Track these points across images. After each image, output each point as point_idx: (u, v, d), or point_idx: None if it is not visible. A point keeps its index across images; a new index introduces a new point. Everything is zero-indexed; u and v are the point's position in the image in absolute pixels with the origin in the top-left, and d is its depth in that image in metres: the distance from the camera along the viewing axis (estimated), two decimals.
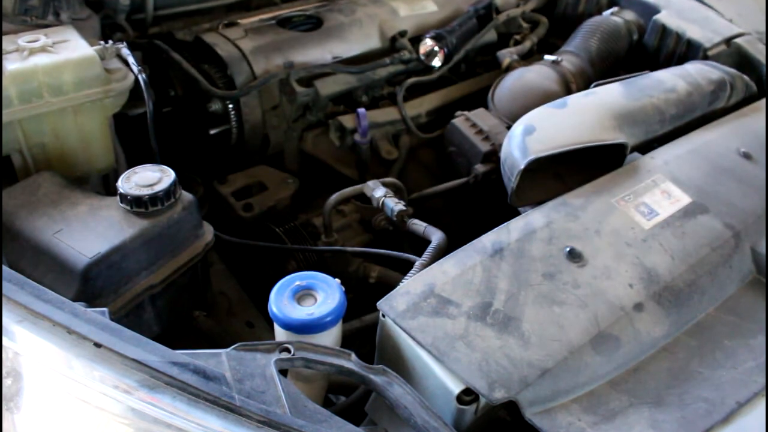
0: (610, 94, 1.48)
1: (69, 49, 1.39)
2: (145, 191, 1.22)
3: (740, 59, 1.83)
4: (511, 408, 0.98)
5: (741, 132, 1.52)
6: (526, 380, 0.97)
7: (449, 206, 1.76)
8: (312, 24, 1.98)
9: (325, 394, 1.13)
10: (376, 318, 1.07)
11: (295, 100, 1.81)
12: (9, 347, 0.82)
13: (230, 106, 1.77)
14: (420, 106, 1.95)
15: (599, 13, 2.07)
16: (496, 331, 1.02)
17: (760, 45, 1.85)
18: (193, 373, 0.79)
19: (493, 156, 1.67)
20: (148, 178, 1.24)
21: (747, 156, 1.44)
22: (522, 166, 1.30)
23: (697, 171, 1.38)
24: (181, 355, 0.82)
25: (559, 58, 1.87)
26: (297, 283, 1.04)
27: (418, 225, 1.45)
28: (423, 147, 1.92)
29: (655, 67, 1.75)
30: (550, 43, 2.18)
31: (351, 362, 0.92)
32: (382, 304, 1.04)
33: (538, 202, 1.29)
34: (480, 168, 1.66)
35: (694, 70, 1.63)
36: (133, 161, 1.44)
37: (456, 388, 0.95)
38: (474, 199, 1.69)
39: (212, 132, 1.81)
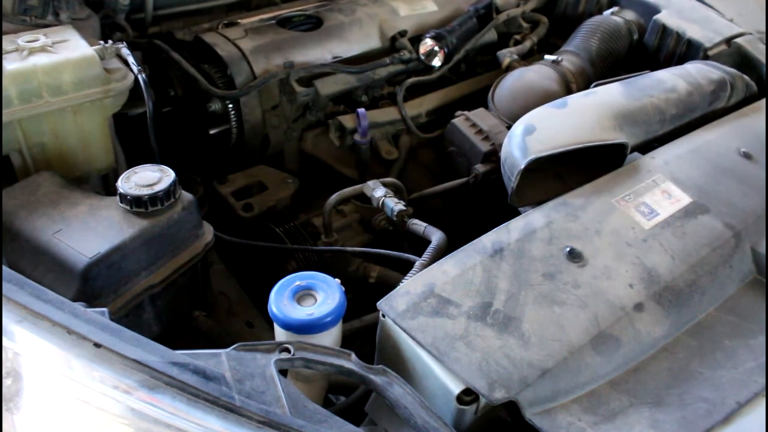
0: (611, 94, 1.48)
1: (68, 48, 1.39)
2: (145, 191, 1.22)
3: (740, 59, 1.83)
4: (511, 408, 0.98)
5: (741, 132, 1.52)
6: (526, 380, 0.97)
7: (449, 206, 1.76)
8: (312, 24, 1.98)
9: (325, 394, 1.13)
10: (376, 318, 1.07)
11: (295, 100, 1.81)
12: (9, 347, 0.82)
13: (230, 106, 1.77)
14: (420, 106, 1.95)
15: (599, 12, 2.07)
16: (496, 331, 1.02)
17: (760, 45, 1.85)
18: (193, 373, 0.79)
19: (493, 156, 1.67)
20: (147, 178, 1.24)
21: (747, 156, 1.44)
22: (522, 166, 1.30)
23: (698, 171, 1.38)
24: (181, 355, 0.82)
25: (560, 58, 1.87)
26: (297, 283, 1.04)
27: (418, 225, 1.45)
28: (423, 147, 1.92)
29: (655, 66, 1.75)
30: (551, 43, 2.18)
31: (351, 362, 0.92)
32: (382, 304, 1.04)
33: (538, 202, 1.29)
34: (480, 168, 1.66)
35: (695, 69, 1.63)
36: (132, 161, 1.43)
37: (456, 388, 0.95)
38: (474, 199, 1.69)
39: (212, 132, 1.81)
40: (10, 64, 1.31)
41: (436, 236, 1.38)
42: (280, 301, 1.01)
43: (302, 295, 1.03)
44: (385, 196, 1.50)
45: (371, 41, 1.98)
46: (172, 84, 1.83)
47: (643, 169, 1.36)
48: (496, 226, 1.21)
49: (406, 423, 0.88)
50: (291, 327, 0.99)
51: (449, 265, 1.12)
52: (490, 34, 2.12)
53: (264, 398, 0.80)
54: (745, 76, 1.68)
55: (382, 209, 1.51)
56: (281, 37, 1.87)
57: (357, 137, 1.80)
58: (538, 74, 1.82)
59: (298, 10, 2.03)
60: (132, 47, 1.50)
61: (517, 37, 2.15)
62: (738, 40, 1.84)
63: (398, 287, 1.08)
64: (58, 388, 0.79)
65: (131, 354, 0.79)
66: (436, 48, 1.95)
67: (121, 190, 1.22)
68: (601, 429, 0.96)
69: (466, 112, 1.77)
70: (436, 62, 1.98)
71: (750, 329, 1.15)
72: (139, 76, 1.44)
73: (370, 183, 1.54)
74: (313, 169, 1.90)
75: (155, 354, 0.80)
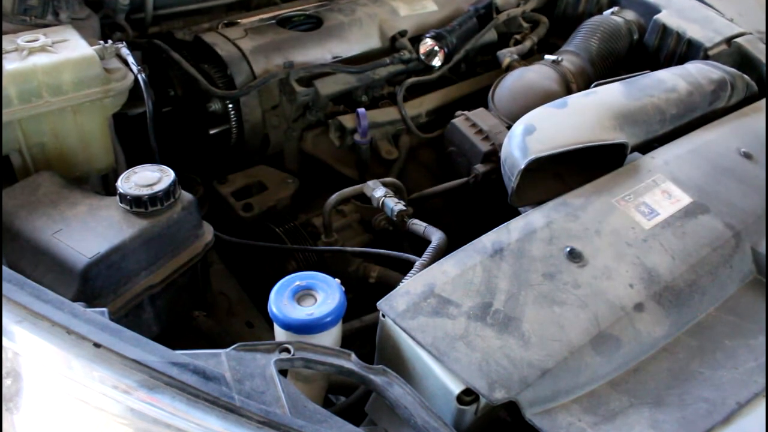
0: (611, 94, 1.48)
1: (68, 48, 1.39)
2: (145, 191, 1.21)
3: (741, 59, 1.83)
4: (512, 408, 0.98)
5: (741, 132, 1.52)
6: (527, 380, 0.97)
7: (449, 206, 1.76)
8: (312, 24, 1.97)
9: (325, 394, 1.13)
10: (376, 318, 1.06)
11: (295, 100, 1.81)
12: (9, 347, 0.82)
13: (230, 105, 1.77)
14: (420, 106, 1.95)
15: (599, 12, 2.07)
16: (496, 331, 1.02)
17: (760, 44, 1.85)
18: (193, 373, 0.79)
19: (493, 156, 1.67)
20: (147, 178, 1.24)
21: (747, 156, 1.44)
22: (522, 166, 1.30)
23: (698, 171, 1.38)
24: (181, 355, 0.82)
25: (560, 58, 1.87)
26: (297, 283, 1.04)
27: (418, 225, 1.45)
28: (423, 147, 1.91)
29: (655, 66, 1.75)
30: (551, 43, 2.18)
31: (351, 362, 0.92)
32: (382, 304, 1.04)
33: (539, 202, 1.28)
34: (480, 168, 1.66)
35: (695, 69, 1.62)
36: (132, 161, 1.43)
37: (456, 388, 0.95)
38: (474, 199, 1.69)
39: (212, 132, 1.81)
40: (10, 64, 1.31)
41: (436, 236, 1.38)
42: (280, 301, 1.01)
43: (302, 295, 1.03)
44: (385, 196, 1.50)
45: (371, 41, 1.98)
46: (172, 84, 1.83)
47: (643, 169, 1.36)
48: (496, 226, 1.21)
49: (406, 423, 0.88)
50: (291, 327, 0.99)
51: (449, 265, 1.12)
52: (490, 34, 2.12)
53: (264, 398, 0.80)
54: (746, 76, 1.68)
55: (382, 209, 1.51)
56: (281, 37, 1.87)
57: (357, 137, 1.80)
58: (538, 74, 1.82)
59: (298, 10, 2.03)
60: (132, 47, 1.50)
61: (517, 37, 2.15)
62: (738, 39, 1.84)
63: (398, 287, 1.08)
64: (58, 388, 0.79)
65: (131, 354, 0.79)
66: (436, 48, 1.95)
67: (120, 190, 1.22)
68: (601, 429, 0.96)
69: (466, 112, 1.77)
70: (436, 62, 1.98)
71: (750, 329, 1.15)
72: (139, 76, 1.44)
73: (370, 183, 1.54)
74: (313, 169, 1.90)
75: (155, 354, 0.80)
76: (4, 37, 1.39)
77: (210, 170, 1.82)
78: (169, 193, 1.23)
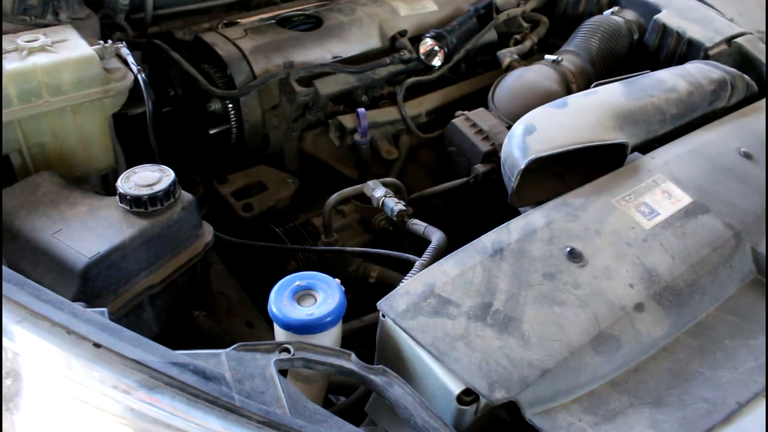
0: (611, 94, 1.48)
1: (68, 48, 1.39)
2: (145, 191, 1.21)
3: (741, 59, 1.83)
4: (512, 408, 0.98)
5: (741, 132, 1.52)
6: (527, 380, 0.97)
7: (449, 206, 1.76)
8: (312, 23, 1.97)
9: (325, 394, 1.13)
10: (376, 318, 1.06)
11: (295, 99, 1.81)
12: (9, 347, 0.82)
13: (230, 105, 1.77)
14: (420, 106, 1.95)
15: (600, 12, 2.07)
16: (496, 331, 1.02)
17: (760, 44, 1.85)
18: (193, 373, 0.79)
19: (493, 156, 1.67)
20: (147, 178, 1.24)
21: (747, 156, 1.44)
22: (522, 166, 1.30)
23: (698, 171, 1.38)
24: (181, 355, 0.82)
25: (560, 58, 1.87)
26: (297, 283, 1.04)
27: (418, 225, 1.45)
28: (423, 147, 1.91)
29: (655, 66, 1.75)
30: (551, 43, 2.18)
31: (351, 362, 0.92)
32: (382, 304, 1.04)
33: (539, 202, 1.28)
34: (480, 168, 1.66)
35: (695, 69, 1.62)
36: (132, 161, 1.43)
37: (456, 388, 0.95)
38: (474, 199, 1.69)
39: (212, 132, 1.81)
40: (10, 64, 1.31)
41: (436, 236, 1.38)
42: (280, 301, 1.01)
43: (302, 295, 1.03)
44: (385, 196, 1.50)
45: (371, 41, 1.98)
46: (172, 84, 1.83)
47: (643, 169, 1.36)
48: (496, 226, 1.21)
49: (406, 423, 0.88)
50: (291, 327, 0.99)
51: (449, 265, 1.12)
52: (490, 34, 2.12)
53: (264, 398, 0.80)
54: (746, 76, 1.68)
55: (382, 209, 1.51)
56: (281, 36, 1.87)
57: (357, 137, 1.80)
58: (538, 74, 1.82)
59: (298, 10, 2.03)
60: (132, 47, 1.50)
61: (517, 36, 2.15)
62: (738, 39, 1.84)
63: (398, 287, 1.08)
64: (58, 388, 0.79)
65: (131, 354, 0.79)
66: (436, 48, 1.95)
67: (120, 190, 1.22)
68: (601, 429, 0.96)
69: (466, 112, 1.77)
70: (436, 62, 1.98)
71: (750, 329, 1.15)
72: (139, 76, 1.44)
73: (370, 183, 1.54)
74: (313, 169, 1.90)
75: (155, 354, 0.80)
76: (4, 37, 1.39)
77: (210, 170, 1.81)
78: (169, 193, 1.23)
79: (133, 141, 1.61)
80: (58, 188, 1.29)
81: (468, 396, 0.95)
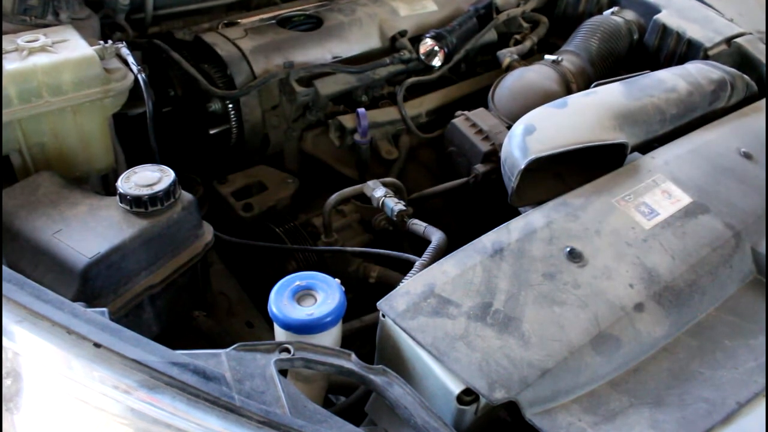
0: (611, 94, 1.48)
1: (68, 48, 1.39)
2: (145, 191, 1.21)
3: (741, 59, 1.83)
4: (512, 408, 0.98)
5: (741, 132, 1.52)
6: (527, 380, 0.97)
7: (449, 206, 1.76)
8: (312, 24, 1.97)
9: (325, 394, 1.13)
10: (376, 318, 1.06)
11: (295, 100, 1.81)
12: (9, 347, 0.82)
13: (230, 105, 1.77)
14: (420, 106, 1.95)
15: (600, 12, 2.07)
16: (496, 331, 1.02)
17: (760, 45, 1.85)
18: (193, 373, 0.79)
19: (493, 156, 1.67)
20: (147, 178, 1.24)
21: (747, 156, 1.44)
22: (522, 166, 1.30)
23: (698, 171, 1.38)
24: (181, 355, 0.82)
25: (560, 58, 1.87)
26: (297, 283, 1.04)
27: (418, 225, 1.45)
28: (423, 147, 1.91)
29: (655, 66, 1.75)
30: (551, 43, 2.18)
31: (351, 362, 0.92)
32: (382, 304, 1.04)
33: (539, 202, 1.29)
34: (480, 168, 1.66)
35: (695, 69, 1.62)
36: (132, 161, 1.43)
37: (456, 388, 0.95)
38: (474, 199, 1.69)
39: (212, 132, 1.81)
40: (10, 64, 1.31)
41: (436, 236, 1.38)
42: (280, 301, 1.01)
43: (302, 295, 1.03)
44: (385, 196, 1.50)
45: (371, 41, 1.98)
46: (172, 84, 1.83)
47: (643, 169, 1.36)
48: (496, 226, 1.21)
49: (406, 423, 0.88)
50: (291, 327, 0.99)
51: (449, 265, 1.12)
52: (490, 34, 2.12)
53: (264, 398, 0.80)
54: (746, 76, 1.68)
55: (382, 209, 1.51)
56: (281, 37, 1.87)
57: (357, 137, 1.80)
58: (538, 74, 1.82)
59: (298, 10, 2.03)
60: (132, 47, 1.50)
61: (517, 37, 2.15)
62: (738, 39, 1.84)
63: (398, 287, 1.08)
64: (58, 388, 0.79)
65: (131, 354, 0.79)
66: (436, 48, 1.95)
67: (120, 190, 1.22)
68: (601, 429, 0.96)
69: (466, 112, 1.77)
70: (436, 62, 1.98)
71: (750, 329, 1.15)
72: (139, 76, 1.44)
73: (370, 183, 1.54)
74: (313, 169, 1.90)
75: (155, 354, 0.80)
76: (4, 37, 1.39)
77: (210, 170, 1.81)
78: (169, 193, 1.23)
79: (133, 141, 1.61)
80: (58, 188, 1.29)
81: (468, 396, 0.95)
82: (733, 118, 1.57)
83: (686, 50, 1.88)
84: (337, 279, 1.06)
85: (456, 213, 1.75)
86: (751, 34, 1.87)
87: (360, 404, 1.08)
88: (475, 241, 1.17)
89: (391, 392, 0.89)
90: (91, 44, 1.42)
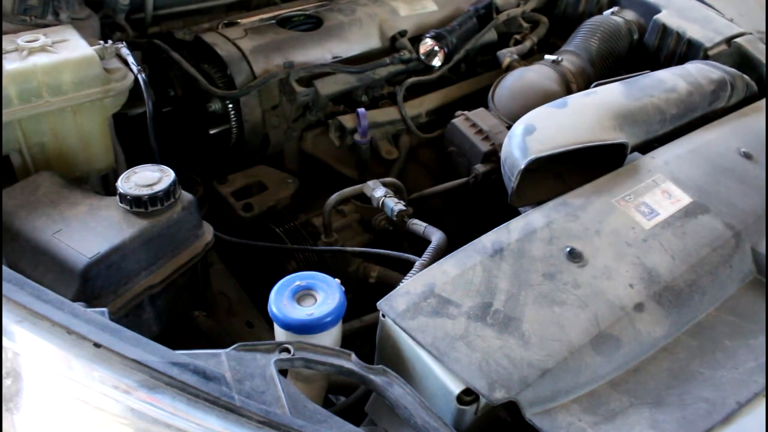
0: (611, 94, 1.48)
1: (68, 48, 1.39)
2: (145, 191, 1.21)
3: (741, 59, 1.83)
4: (512, 408, 0.98)
5: (741, 132, 1.52)
6: (527, 380, 0.97)
7: (449, 206, 1.76)
8: (312, 24, 1.97)
9: (325, 394, 1.13)
10: (376, 318, 1.06)
11: (295, 100, 1.81)
12: (9, 347, 0.82)
13: (230, 105, 1.77)
14: (420, 106, 1.95)
15: (600, 12, 2.07)
16: (497, 331, 1.02)
17: (760, 45, 1.85)
18: (193, 373, 0.79)
19: (493, 156, 1.67)
20: (147, 178, 1.24)
21: (747, 156, 1.44)
22: (522, 166, 1.30)
23: (698, 171, 1.38)
24: (181, 355, 0.82)
25: (560, 58, 1.87)
26: (297, 283, 1.04)
27: (418, 225, 1.45)
28: (423, 147, 1.91)
29: (655, 66, 1.75)
30: (551, 43, 2.18)
31: (351, 362, 0.92)
32: (382, 304, 1.04)
33: (539, 202, 1.29)
34: (480, 168, 1.66)
35: (695, 69, 1.62)
36: (132, 161, 1.43)
37: (456, 388, 0.95)
38: (474, 199, 1.69)
39: (212, 132, 1.81)
40: (10, 64, 1.31)
41: (436, 236, 1.38)
42: (280, 301, 1.01)
43: (302, 295, 1.03)
44: (385, 196, 1.50)
45: (371, 41, 1.98)
46: (172, 84, 1.83)
47: (643, 169, 1.36)
48: (496, 226, 1.21)
49: (406, 423, 0.88)
50: (291, 327, 0.99)
51: (449, 265, 1.12)
52: (490, 34, 2.12)
53: (264, 398, 0.80)
54: (746, 76, 1.68)
55: (382, 209, 1.51)
56: (281, 37, 1.87)
57: (357, 137, 1.80)
58: (538, 74, 1.82)
59: (298, 10, 2.03)
60: (132, 47, 1.50)
61: (517, 37, 2.15)
62: (738, 39, 1.84)
63: (398, 287, 1.08)
64: (58, 388, 0.79)
65: (131, 354, 0.79)
66: (436, 48, 1.95)
67: (120, 190, 1.22)
68: (601, 429, 0.96)
69: (466, 112, 1.77)
70: (436, 62, 1.98)
71: (750, 329, 1.15)
72: (139, 76, 1.44)
73: (370, 183, 1.54)
74: (313, 169, 1.90)
75: (155, 354, 0.80)
76: (4, 37, 1.39)
77: (210, 170, 1.81)
78: (169, 193, 1.23)
79: (133, 141, 1.61)
80: (58, 188, 1.29)
81: (468, 396, 0.95)
82: (733, 118, 1.57)
83: (686, 50, 1.88)
84: (337, 279, 1.06)
85: (456, 213, 1.75)
86: (751, 34, 1.87)
87: (360, 404, 1.08)
88: (475, 241, 1.17)
89: (391, 392, 0.89)
90: (91, 44, 1.42)
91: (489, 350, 0.99)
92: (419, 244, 1.42)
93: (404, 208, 1.47)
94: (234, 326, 1.48)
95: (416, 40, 1.99)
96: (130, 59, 1.45)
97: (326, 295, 1.02)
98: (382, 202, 1.50)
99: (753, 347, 1.11)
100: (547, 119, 1.40)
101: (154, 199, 1.21)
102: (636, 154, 1.44)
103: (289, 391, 0.82)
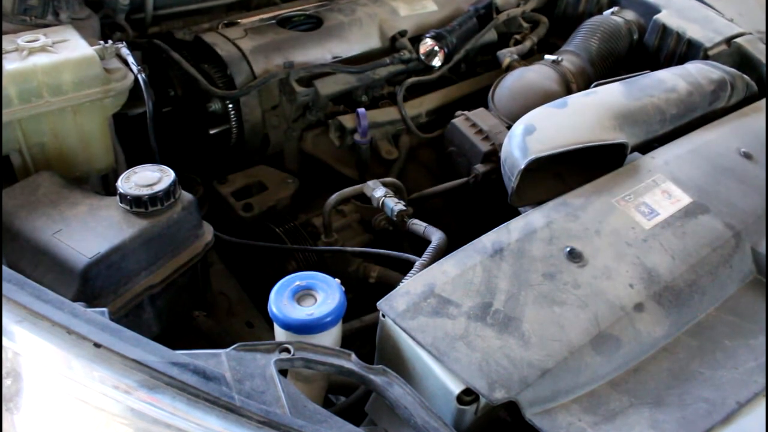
0: (611, 94, 1.48)
1: (68, 48, 1.39)
2: (145, 191, 1.21)
3: (741, 59, 1.83)
4: (512, 408, 0.98)
5: (741, 132, 1.52)
6: (527, 380, 0.97)
7: (449, 206, 1.76)
8: (312, 24, 1.98)
9: (325, 394, 1.13)
10: (376, 318, 1.06)
11: (295, 100, 1.81)
12: (9, 347, 0.82)
13: (230, 105, 1.77)
14: (420, 106, 1.95)
15: (600, 12, 2.07)
16: (497, 331, 1.02)
17: (760, 45, 1.85)
18: (193, 373, 0.79)
19: (493, 156, 1.67)
20: (147, 178, 1.24)
21: (747, 156, 1.44)
22: (522, 166, 1.30)
23: (698, 171, 1.38)
24: (181, 355, 0.82)
25: (560, 58, 1.87)
26: (297, 283, 1.04)
27: (418, 225, 1.45)
28: (423, 147, 1.91)
29: (655, 66, 1.75)
30: (551, 43, 2.18)
31: (351, 362, 0.92)
32: (382, 304, 1.04)
33: (539, 202, 1.29)
34: (480, 168, 1.66)
35: (695, 69, 1.62)
36: (132, 161, 1.43)
37: (456, 388, 0.95)
38: (474, 199, 1.69)
39: (212, 132, 1.81)
40: (10, 64, 1.31)
41: (436, 236, 1.38)
42: (280, 301, 1.01)
43: (302, 295, 1.03)
44: (385, 196, 1.50)
45: (371, 41, 1.98)
46: (172, 84, 1.83)
47: (643, 169, 1.36)
48: (496, 226, 1.21)
49: (406, 423, 0.88)
50: (291, 327, 0.99)
51: (449, 265, 1.12)
52: (490, 34, 2.12)
53: (264, 398, 0.80)
54: (746, 76, 1.68)
55: (382, 209, 1.51)
56: (281, 37, 1.87)
57: (357, 137, 1.80)
58: (538, 74, 1.82)
59: (298, 10, 2.03)
60: (132, 47, 1.50)
61: (517, 37, 2.15)
62: (738, 39, 1.84)
63: (398, 287, 1.08)
64: (58, 388, 0.79)
65: (131, 354, 0.79)
66: (436, 48, 1.95)
67: (120, 190, 1.22)
68: (601, 429, 0.96)
69: (466, 112, 1.77)
70: (436, 62, 1.98)
71: (750, 329, 1.15)
72: (139, 76, 1.44)
73: (370, 183, 1.54)
74: (313, 169, 1.90)
75: (155, 354, 0.80)
76: (4, 37, 1.39)
77: (210, 170, 1.81)
78: (169, 193, 1.23)
79: (133, 141, 1.61)
80: (58, 188, 1.29)
81: (468, 396, 0.95)
82: (733, 118, 1.57)
83: (686, 50, 1.88)
84: (337, 279, 1.06)
85: (456, 213, 1.75)
86: (751, 34, 1.87)
87: (360, 404, 1.08)
88: (475, 241, 1.17)
89: (391, 392, 0.89)
90: (91, 44, 1.42)
91: (489, 350, 0.99)
92: (419, 244, 1.42)
93: (404, 208, 1.47)
94: (234, 326, 1.48)
95: (416, 40, 1.99)
96: (130, 59, 1.45)
97: (326, 295, 1.02)
98: (382, 202, 1.50)
99: (753, 347, 1.11)
100: (547, 119, 1.40)
101: (154, 199, 1.21)
102: (636, 154, 1.44)
103: (289, 391, 0.82)
